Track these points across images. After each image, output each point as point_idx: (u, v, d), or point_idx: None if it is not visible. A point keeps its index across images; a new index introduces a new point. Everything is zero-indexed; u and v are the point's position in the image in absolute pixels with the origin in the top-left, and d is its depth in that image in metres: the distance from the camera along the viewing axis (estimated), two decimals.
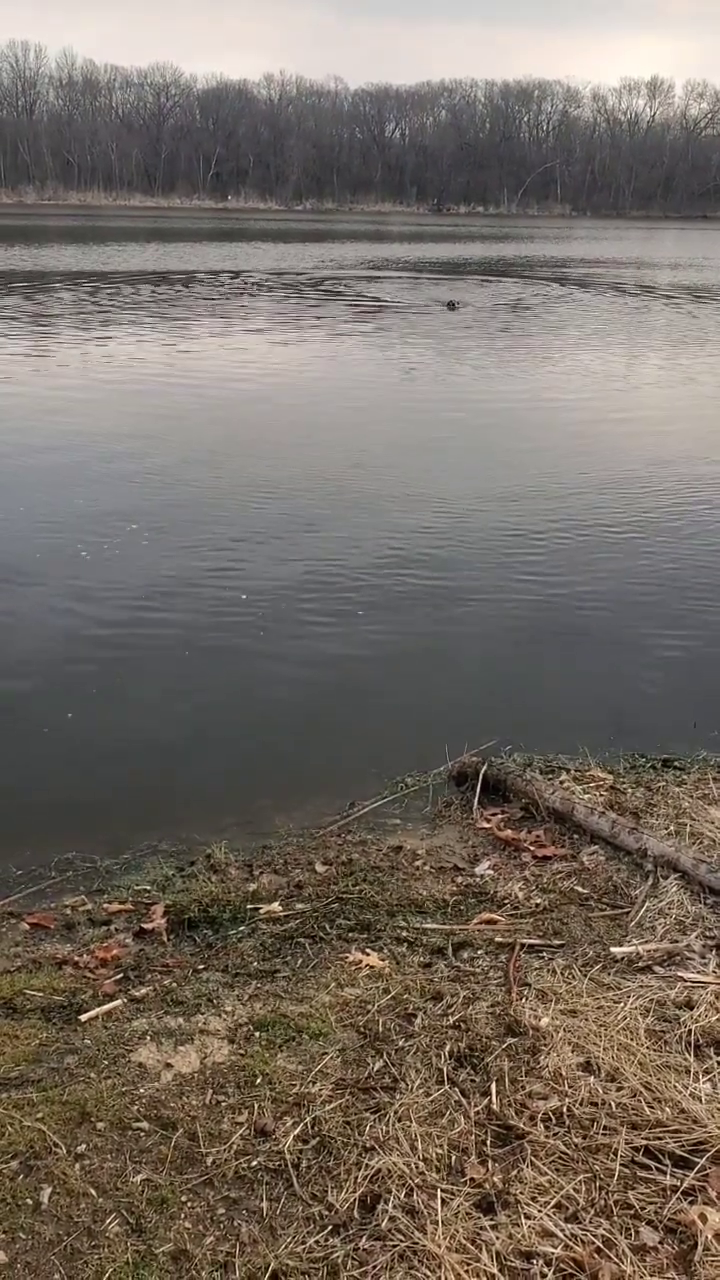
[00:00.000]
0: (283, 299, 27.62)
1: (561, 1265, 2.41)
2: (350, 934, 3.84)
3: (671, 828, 4.50)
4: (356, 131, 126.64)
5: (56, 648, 6.58)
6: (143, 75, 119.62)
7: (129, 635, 6.78)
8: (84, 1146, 2.78)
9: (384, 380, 16.31)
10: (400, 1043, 3.17)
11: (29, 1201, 2.61)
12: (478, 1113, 2.87)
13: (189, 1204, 2.62)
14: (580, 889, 4.12)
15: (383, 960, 3.64)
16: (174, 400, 14.39)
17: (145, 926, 3.93)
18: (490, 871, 4.30)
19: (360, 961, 3.63)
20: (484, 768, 5.00)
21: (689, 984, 3.43)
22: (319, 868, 4.36)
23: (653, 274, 41.21)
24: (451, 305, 26.05)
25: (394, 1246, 2.46)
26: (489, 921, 3.90)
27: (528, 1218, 2.53)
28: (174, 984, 3.55)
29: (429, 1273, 2.39)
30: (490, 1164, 2.70)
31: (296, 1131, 2.81)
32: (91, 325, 21.68)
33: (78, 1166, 2.72)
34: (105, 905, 4.13)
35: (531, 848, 4.45)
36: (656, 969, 3.55)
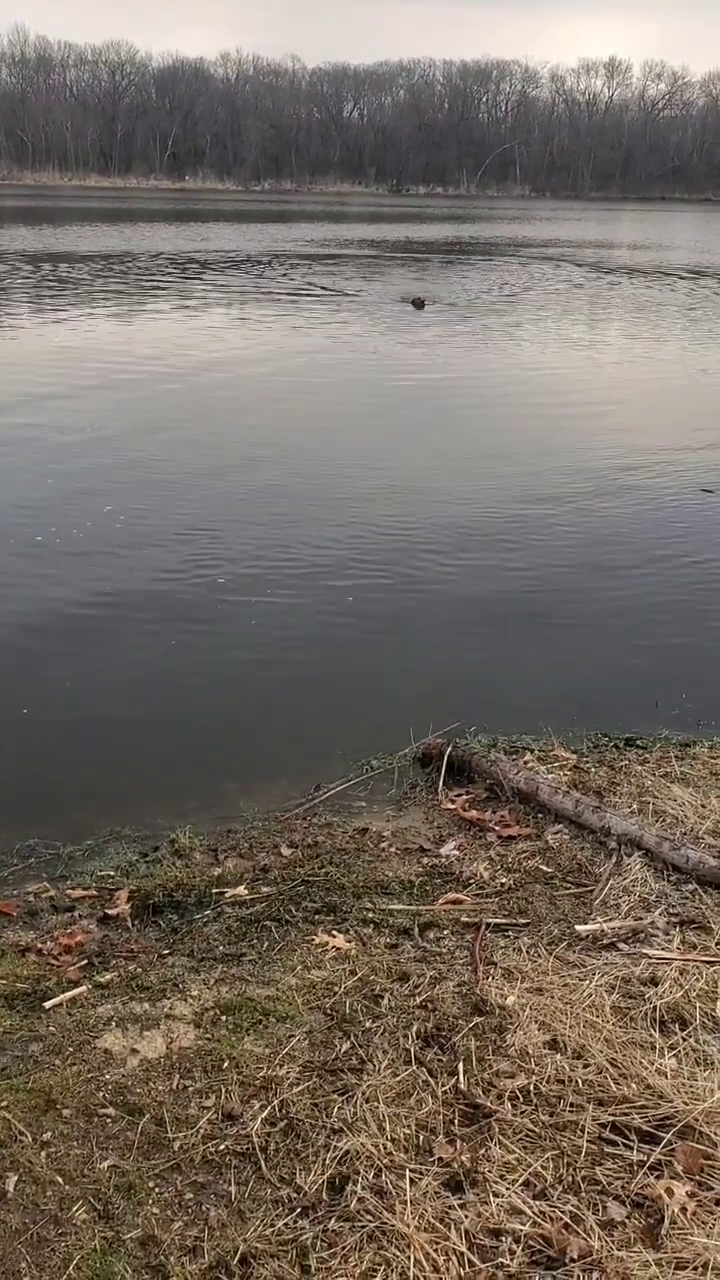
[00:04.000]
0: (244, 282, 27.39)
1: (530, 1242, 2.42)
2: (316, 916, 3.84)
3: (634, 806, 4.53)
4: (314, 111, 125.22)
5: (19, 632, 6.50)
6: (97, 53, 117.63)
7: (96, 619, 6.72)
8: (50, 1134, 2.76)
9: (348, 365, 16.21)
10: (367, 1024, 3.17)
11: None
12: (445, 1092, 2.87)
13: (157, 1189, 2.61)
14: (545, 868, 4.14)
15: (349, 942, 3.64)
16: (146, 382, 14.22)
17: (109, 912, 3.90)
18: (456, 852, 4.31)
19: (327, 944, 3.63)
20: (449, 749, 5.00)
21: (653, 960, 3.45)
22: (285, 851, 4.35)
23: (628, 254, 41.27)
24: (418, 303, 22.75)
25: (363, 1227, 2.46)
26: (455, 902, 3.91)
27: (496, 1196, 2.54)
28: (139, 969, 3.53)
29: (398, 1252, 2.40)
30: (458, 1143, 2.70)
31: (264, 1115, 2.81)
32: (53, 306, 21.39)
33: (44, 1154, 2.70)
34: (69, 891, 4.09)
35: (496, 828, 4.47)
36: (621, 946, 3.58)
